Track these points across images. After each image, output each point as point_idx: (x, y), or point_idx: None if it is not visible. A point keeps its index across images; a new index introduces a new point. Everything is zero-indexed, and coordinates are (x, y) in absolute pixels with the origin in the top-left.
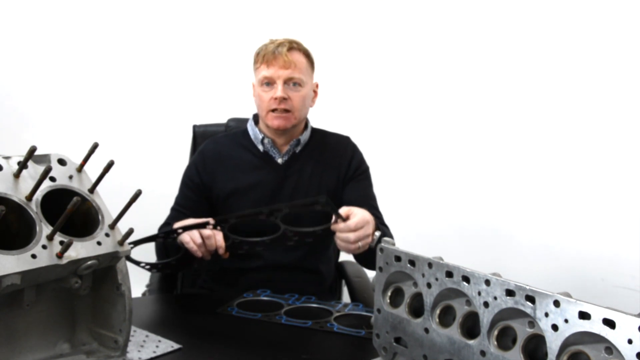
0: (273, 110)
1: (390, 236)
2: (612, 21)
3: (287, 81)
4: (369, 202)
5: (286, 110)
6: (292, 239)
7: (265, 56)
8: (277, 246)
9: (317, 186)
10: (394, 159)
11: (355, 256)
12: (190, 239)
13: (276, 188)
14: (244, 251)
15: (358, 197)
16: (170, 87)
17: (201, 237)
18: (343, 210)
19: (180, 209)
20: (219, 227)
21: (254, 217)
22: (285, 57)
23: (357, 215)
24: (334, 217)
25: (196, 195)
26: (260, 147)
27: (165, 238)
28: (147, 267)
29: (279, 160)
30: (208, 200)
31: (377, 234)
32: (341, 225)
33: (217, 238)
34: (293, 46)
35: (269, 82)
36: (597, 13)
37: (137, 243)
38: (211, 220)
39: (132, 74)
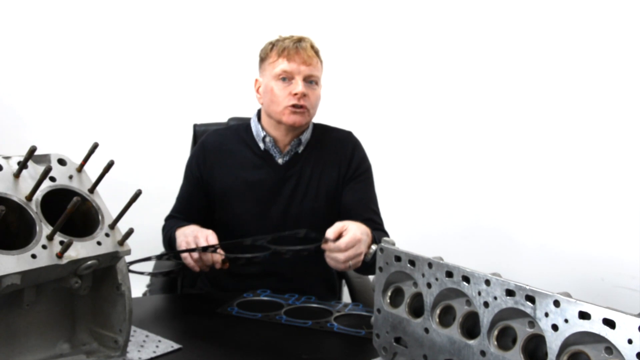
0: (292, 106)
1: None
2: (612, 21)
3: (306, 78)
4: (368, 206)
5: (303, 106)
6: (287, 253)
7: (286, 50)
8: (274, 259)
9: (315, 188)
10: (394, 158)
11: None
12: (188, 254)
13: (275, 189)
14: (243, 262)
15: (357, 199)
16: (171, 86)
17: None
18: (336, 227)
19: (181, 202)
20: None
21: (238, 245)
22: (308, 52)
23: (348, 233)
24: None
25: (196, 189)
26: (261, 145)
27: (159, 259)
28: (150, 274)
29: (279, 161)
30: (207, 195)
31: (373, 248)
32: (331, 245)
33: (213, 254)
34: (312, 44)
35: (286, 77)
36: (597, 13)
37: (133, 263)
38: (198, 247)
39: (133, 73)
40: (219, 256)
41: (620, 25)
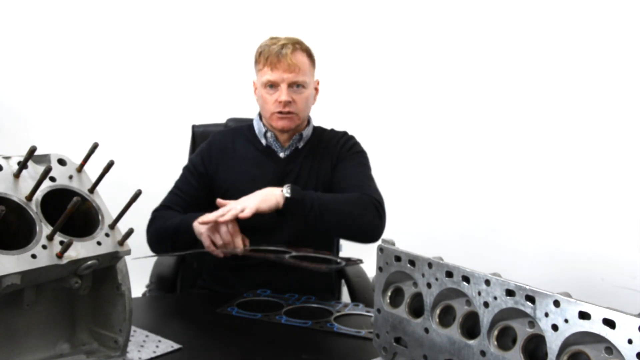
0: (278, 112)
1: (381, 206)
2: (612, 21)
3: (291, 84)
4: (360, 178)
5: (290, 112)
6: (303, 262)
7: (269, 59)
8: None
9: (314, 180)
10: (394, 158)
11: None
12: (210, 243)
13: (277, 182)
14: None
15: (350, 173)
16: (170, 87)
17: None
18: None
19: (179, 194)
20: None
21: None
22: (289, 60)
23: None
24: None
25: (198, 183)
26: (263, 141)
27: (184, 253)
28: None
29: (281, 155)
30: (209, 190)
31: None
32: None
33: (236, 240)
34: (296, 47)
35: (272, 85)
36: (597, 13)
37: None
38: (231, 250)
39: (132, 74)
40: (240, 242)
41: (620, 26)
